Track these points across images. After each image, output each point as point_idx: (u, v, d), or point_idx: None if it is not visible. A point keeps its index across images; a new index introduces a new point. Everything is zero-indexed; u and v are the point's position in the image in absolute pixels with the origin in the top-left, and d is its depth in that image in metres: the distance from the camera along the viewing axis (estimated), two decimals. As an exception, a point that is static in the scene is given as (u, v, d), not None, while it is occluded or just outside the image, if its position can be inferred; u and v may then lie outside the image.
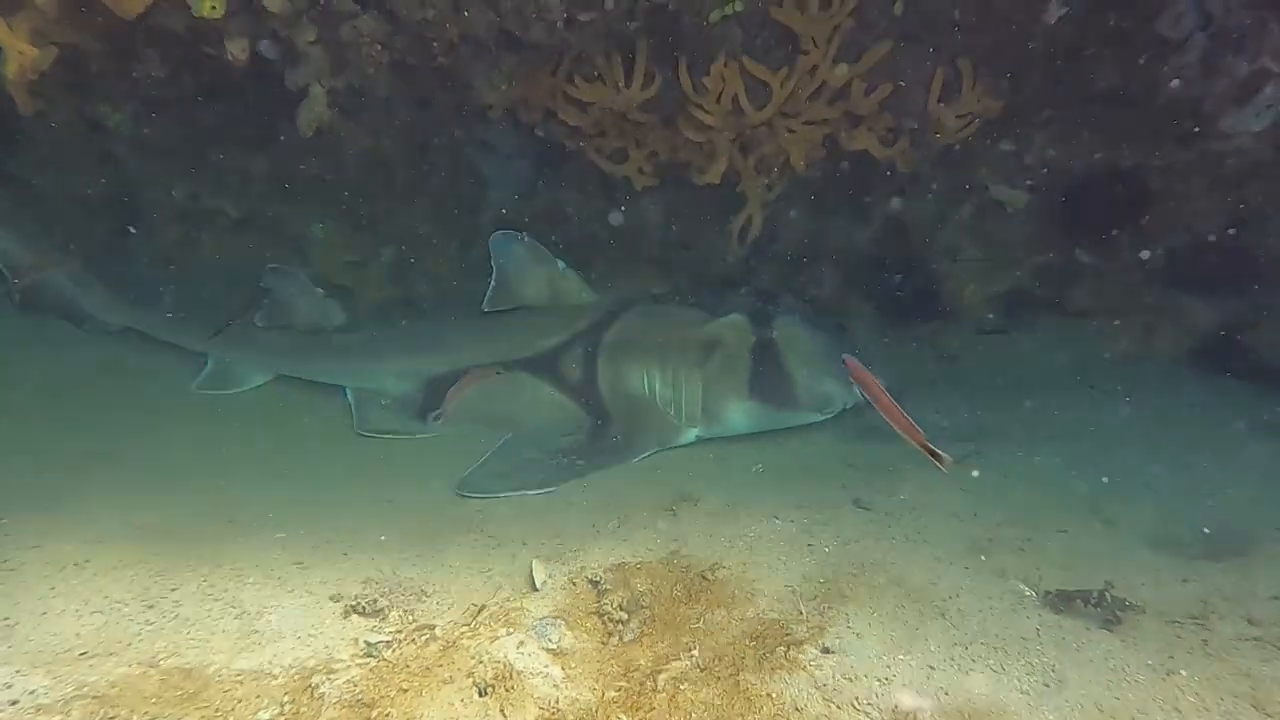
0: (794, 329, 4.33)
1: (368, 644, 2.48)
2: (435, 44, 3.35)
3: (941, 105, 4.07)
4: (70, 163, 5.63)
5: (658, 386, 4.33)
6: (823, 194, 5.28)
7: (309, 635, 2.52)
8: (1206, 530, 3.15)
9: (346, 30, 3.12)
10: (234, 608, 2.64)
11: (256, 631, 2.53)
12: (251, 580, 2.81)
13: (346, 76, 3.43)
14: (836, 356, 4.24)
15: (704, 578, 2.79)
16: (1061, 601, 2.60)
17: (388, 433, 4.48)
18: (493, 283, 4.56)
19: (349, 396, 4.74)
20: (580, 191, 5.75)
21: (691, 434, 4.32)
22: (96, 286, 4.94)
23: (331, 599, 2.72)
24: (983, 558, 2.96)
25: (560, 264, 4.58)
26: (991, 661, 2.34)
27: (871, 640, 2.42)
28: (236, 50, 3.05)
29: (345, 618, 2.62)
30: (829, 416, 4.29)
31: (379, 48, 3.20)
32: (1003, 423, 4.39)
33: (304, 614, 2.63)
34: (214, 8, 2.66)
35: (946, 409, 4.64)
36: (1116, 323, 5.10)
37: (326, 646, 2.47)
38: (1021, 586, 2.74)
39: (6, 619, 2.48)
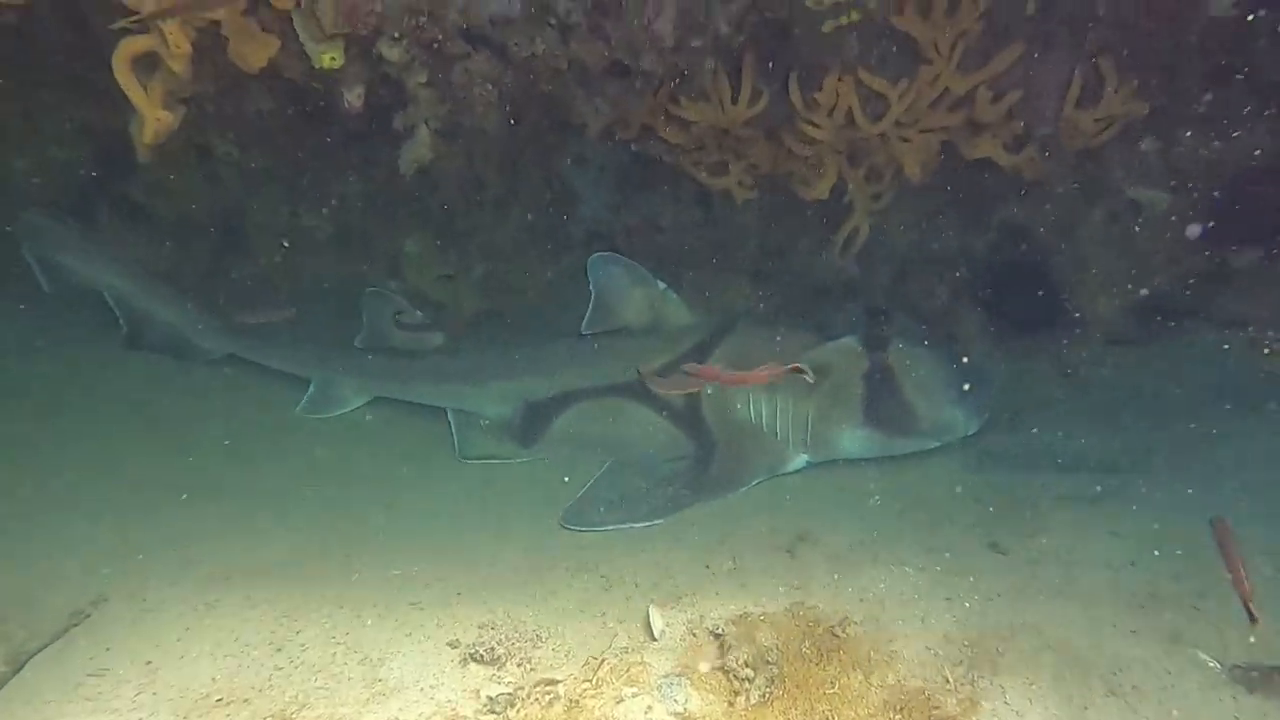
0: (910, 351, 4.08)
1: (489, 698, 2.43)
2: (542, 73, 3.26)
3: (1079, 110, 3.71)
4: (179, 187, 5.84)
5: (765, 411, 4.16)
6: (935, 199, 4.97)
7: (431, 686, 2.49)
8: None
9: (459, 73, 3.06)
10: (356, 653, 2.63)
11: (380, 680, 2.51)
12: (370, 623, 2.79)
13: (454, 114, 3.37)
14: (955, 380, 4.01)
15: (834, 634, 2.61)
16: (1256, 678, 2.28)
17: (489, 458, 4.46)
18: (592, 305, 4.46)
19: (450, 419, 4.74)
20: (673, 203, 5.60)
21: (800, 460, 4.14)
22: (199, 314, 4.97)
23: (449, 645, 2.68)
24: (1150, 619, 2.65)
25: (660, 285, 4.45)
26: (1183, 755, 2.08)
27: (1035, 719, 2.20)
28: (353, 98, 3.04)
29: (463, 665, 2.58)
30: (947, 443, 4.04)
31: (490, 87, 3.14)
32: (1146, 450, 3.99)
33: (424, 660, 2.60)
34: (333, 59, 2.64)
35: (1077, 432, 4.27)
36: (1275, 333, 4.60)
37: (449, 700, 2.42)
38: (1203, 657, 2.43)
39: (149, 662, 2.53)
